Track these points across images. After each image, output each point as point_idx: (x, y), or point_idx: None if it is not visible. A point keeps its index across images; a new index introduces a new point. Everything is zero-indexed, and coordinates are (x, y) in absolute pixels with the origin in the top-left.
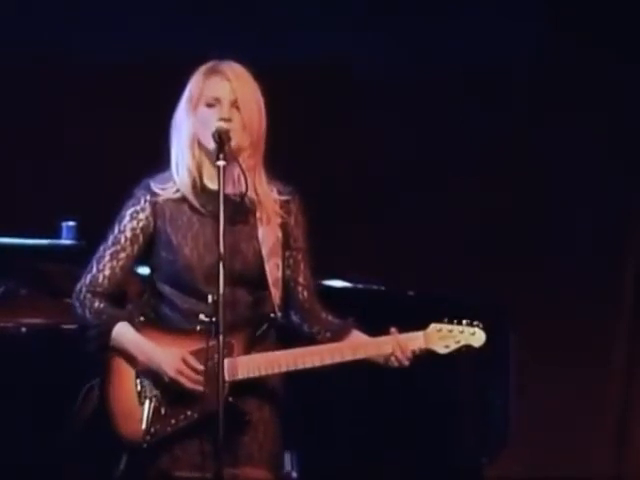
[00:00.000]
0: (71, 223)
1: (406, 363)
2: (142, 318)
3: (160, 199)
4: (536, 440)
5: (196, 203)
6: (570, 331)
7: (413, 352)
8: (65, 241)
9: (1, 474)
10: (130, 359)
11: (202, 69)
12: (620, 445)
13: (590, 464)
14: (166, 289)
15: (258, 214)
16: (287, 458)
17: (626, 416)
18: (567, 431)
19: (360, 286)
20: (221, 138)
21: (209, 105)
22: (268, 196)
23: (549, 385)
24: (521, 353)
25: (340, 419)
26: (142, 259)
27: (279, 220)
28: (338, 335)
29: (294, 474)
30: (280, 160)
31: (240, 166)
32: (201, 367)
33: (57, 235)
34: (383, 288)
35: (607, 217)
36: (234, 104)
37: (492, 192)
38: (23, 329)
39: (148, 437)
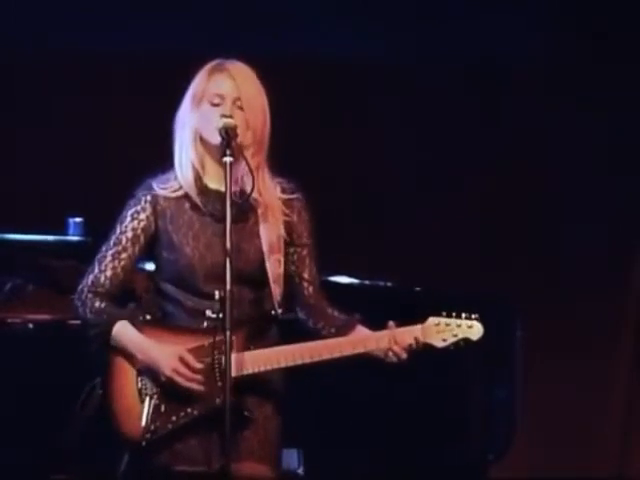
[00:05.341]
0: (78, 219)
1: (404, 357)
2: (148, 317)
3: (161, 199)
4: (536, 440)
5: (198, 201)
6: (572, 330)
7: (410, 346)
8: (72, 237)
9: (3, 471)
10: (130, 357)
11: (207, 67)
12: (624, 446)
13: (590, 464)
14: (169, 288)
15: (260, 212)
16: (294, 455)
17: (629, 417)
18: (568, 431)
19: (367, 282)
20: (228, 134)
21: (212, 102)
22: (271, 194)
23: (550, 385)
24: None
25: (346, 417)
26: (147, 257)
27: (282, 218)
28: (343, 331)
29: (301, 472)
30: (279, 160)
31: (247, 162)
32: (199, 365)
33: (64, 231)
34: (390, 284)
35: (609, 216)
36: (237, 102)
37: (492, 192)
38: (30, 325)
39: (148, 435)
